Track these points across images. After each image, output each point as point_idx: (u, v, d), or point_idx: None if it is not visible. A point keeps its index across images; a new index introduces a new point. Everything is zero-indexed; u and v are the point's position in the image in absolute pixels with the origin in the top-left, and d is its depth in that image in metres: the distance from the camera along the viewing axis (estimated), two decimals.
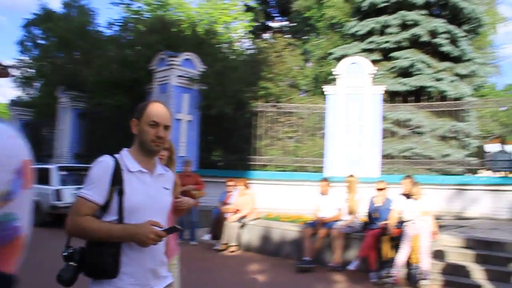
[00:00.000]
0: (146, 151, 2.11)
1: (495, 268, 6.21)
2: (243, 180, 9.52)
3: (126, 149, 2.16)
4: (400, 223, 6.60)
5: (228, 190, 9.49)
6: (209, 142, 13.32)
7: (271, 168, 12.15)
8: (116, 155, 2.10)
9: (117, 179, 2.00)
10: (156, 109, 2.12)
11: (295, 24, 22.10)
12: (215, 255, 8.40)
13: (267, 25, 24.82)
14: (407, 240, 6.31)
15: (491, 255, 6.50)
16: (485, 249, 6.72)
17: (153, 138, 2.07)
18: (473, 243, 6.87)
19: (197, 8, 19.78)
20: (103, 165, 2.03)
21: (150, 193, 2.08)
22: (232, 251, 8.56)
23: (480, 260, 6.44)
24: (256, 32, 21.73)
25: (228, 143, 13.01)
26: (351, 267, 6.85)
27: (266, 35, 22.27)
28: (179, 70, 12.30)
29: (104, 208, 2.01)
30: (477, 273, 6.20)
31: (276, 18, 25.62)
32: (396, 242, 6.53)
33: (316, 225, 7.64)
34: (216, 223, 8.97)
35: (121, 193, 1.99)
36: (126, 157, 2.10)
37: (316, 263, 7.29)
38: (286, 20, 24.14)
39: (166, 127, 2.12)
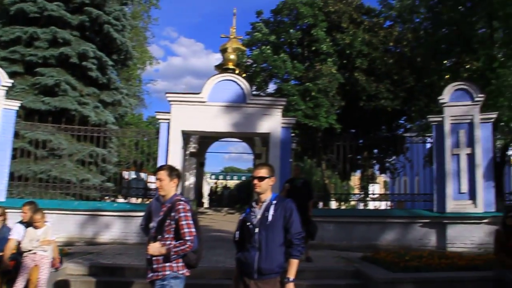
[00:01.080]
0: None
1: None
2: None
3: None
4: (18, 254, 5.85)
5: None
6: None
7: None
8: None
9: None
10: None
11: None
12: None
13: None
14: (24, 272, 5.64)
15: (113, 281, 6.55)
16: (108, 275, 6.76)
17: None
18: (97, 270, 6.84)
19: None
20: None
21: None
22: None
23: (104, 287, 6.39)
24: None
25: None
26: None
27: None
28: None
29: None
30: None
31: None
32: (11, 275, 5.75)
33: None
34: None
35: None
36: None
37: None
38: None
39: None
